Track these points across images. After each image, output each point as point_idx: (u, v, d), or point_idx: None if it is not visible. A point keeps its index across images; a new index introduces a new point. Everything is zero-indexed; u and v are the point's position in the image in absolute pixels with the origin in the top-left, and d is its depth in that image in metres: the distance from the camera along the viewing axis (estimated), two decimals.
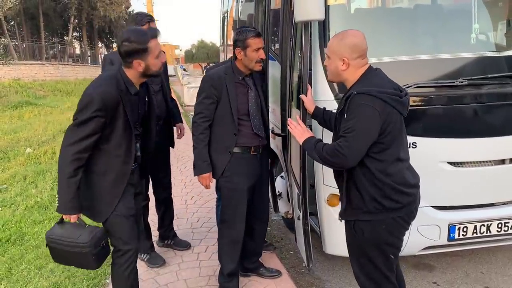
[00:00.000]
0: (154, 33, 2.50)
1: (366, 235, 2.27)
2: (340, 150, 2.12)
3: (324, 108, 2.78)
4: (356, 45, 2.21)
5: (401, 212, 2.24)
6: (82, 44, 41.08)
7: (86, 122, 2.34)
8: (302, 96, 2.84)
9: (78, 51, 40.39)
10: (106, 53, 46.46)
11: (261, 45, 3.01)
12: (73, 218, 2.48)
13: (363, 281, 2.41)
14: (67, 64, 29.75)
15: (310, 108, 2.81)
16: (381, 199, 2.19)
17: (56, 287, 3.47)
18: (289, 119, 2.61)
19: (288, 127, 2.59)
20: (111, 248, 2.68)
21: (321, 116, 2.77)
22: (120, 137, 2.48)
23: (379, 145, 2.14)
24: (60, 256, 2.57)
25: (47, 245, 2.55)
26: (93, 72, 31.47)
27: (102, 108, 2.34)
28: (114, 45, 49.67)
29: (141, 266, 3.74)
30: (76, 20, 39.21)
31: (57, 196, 2.46)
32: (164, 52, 3.01)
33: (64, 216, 2.49)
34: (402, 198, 2.22)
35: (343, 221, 3.00)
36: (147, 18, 3.52)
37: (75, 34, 42.97)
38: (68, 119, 12.74)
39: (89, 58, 38.61)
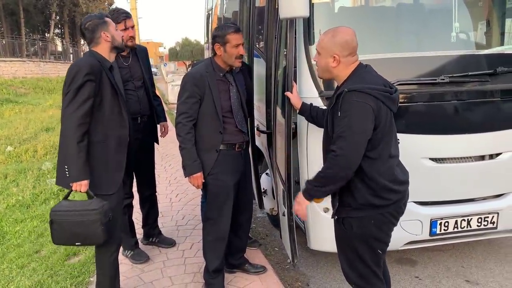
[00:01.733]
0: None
1: (355, 230, 2.30)
2: (339, 152, 2.11)
3: (311, 104, 2.80)
4: (347, 42, 2.22)
5: (390, 208, 2.27)
6: (64, 41, 40.46)
7: (80, 88, 2.51)
8: (288, 93, 2.86)
9: (60, 48, 39.74)
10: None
11: (240, 41, 3.00)
12: (84, 186, 2.55)
13: (351, 276, 2.44)
14: (49, 61, 29.25)
15: (297, 105, 2.83)
16: (372, 198, 2.21)
17: (39, 286, 3.42)
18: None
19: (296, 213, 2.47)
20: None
21: (308, 112, 2.79)
22: (110, 102, 2.65)
23: (371, 142, 2.15)
24: (64, 232, 2.58)
25: (51, 222, 2.56)
26: None
27: (90, 72, 2.52)
28: None
29: (125, 263, 3.72)
30: (58, 17, 38.63)
31: (66, 168, 2.52)
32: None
33: (74, 187, 2.54)
34: (392, 196, 2.25)
35: (328, 217, 3.04)
36: (123, 15, 3.45)
37: (57, 31, 42.33)
38: (50, 117, 12.58)
39: (71, 55, 37.93)
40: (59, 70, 28.23)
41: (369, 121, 2.10)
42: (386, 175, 2.22)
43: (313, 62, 2.50)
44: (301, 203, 2.33)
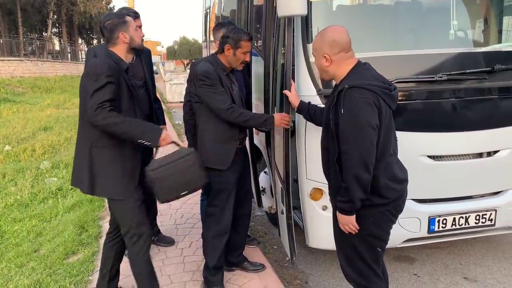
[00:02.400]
0: (128, 12, 3.00)
1: None
2: (352, 153, 2.09)
3: (309, 102, 2.81)
4: (335, 40, 2.21)
5: (389, 206, 2.27)
6: (61, 40, 40.31)
7: (103, 87, 2.46)
8: (286, 92, 2.86)
9: (57, 48, 39.61)
10: (86, 49, 45.97)
11: (249, 49, 3.06)
12: (168, 138, 2.64)
13: (349, 273, 2.44)
14: (46, 61, 29.15)
15: (295, 103, 2.84)
16: (371, 196, 2.21)
17: (37, 285, 3.42)
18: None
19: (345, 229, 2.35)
20: None
21: (306, 110, 2.79)
22: (126, 105, 2.64)
23: None
24: (169, 186, 2.67)
25: (152, 181, 2.63)
26: (73, 68, 30.96)
27: (110, 74, 2.49)
28: (95, 41, 48.95)
29: (124, 261, 3.72)
30: (55, 16, 38.54)
31: (143, 141, 2.58)
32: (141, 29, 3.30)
33: (164, 144, 2.63)
34: (391, 194, 2.25)
35: (326, 215, 3.04)
36: (132, 15, 3.43)
37: (54, 30, 42.20)
38: (48, 116, 12.57)
39: (69, 54, 37.83)
40: (56, 69, 28.17)
41: (375, 116, 2.10)
42: (385, 174, 2.21)
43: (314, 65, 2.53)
44: (343, 224, 2.27)
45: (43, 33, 39.25)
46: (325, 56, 2.24)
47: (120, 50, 2.69)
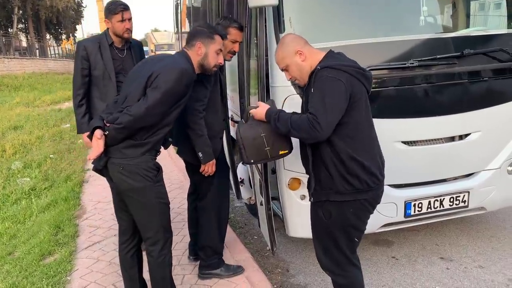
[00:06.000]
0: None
1: (333, 218, 2.32)
2: (314, 124, 2.10)
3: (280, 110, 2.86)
4: (295, 37, 2.36)
5: (368, 194, 2.30)
6: (28, 36, 39.09)
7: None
8: (252, 111, 2.83)
9: (24, 44, 38.43)
10: (55, 45, 44.71)
11: (239, 39, 3.08)
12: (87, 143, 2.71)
13: (325, 263, 2.48)
14: (13, 58, 28.20)
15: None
16: (351, 178, 2.23)
17: None
18: (251, 111, 2.51)
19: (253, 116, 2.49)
20: None
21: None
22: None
23: (348, 119, 2.17)
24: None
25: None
26: (42, 65, 30.06)
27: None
28: (63, 36, 47.63)
29: (102, 260, 3.67)
30: (21, 11, 37.26)
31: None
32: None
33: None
34: (371, 180, 2.27)
35: (305, 204, 3.06)
36: (121, 7, 3.36)
37: (21, 26, 40.83)
38: (17, 115, 12.20)
39: (37, 50, 36.68)
40: (24, 66, 27.29)
41: (342, 96, 2.13)
42: (365, 156, 2.24)
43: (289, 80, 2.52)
44: (259, 109, 2.42)
45: (9, 29, 37.94)
46: (297, 51, 2.29)
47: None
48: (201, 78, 2.78)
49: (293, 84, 2.94)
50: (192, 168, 3.20)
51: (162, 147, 2.74)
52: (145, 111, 2.35)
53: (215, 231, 3.27)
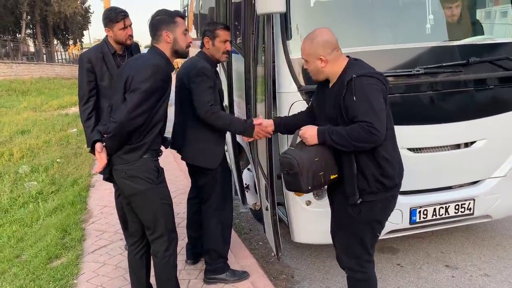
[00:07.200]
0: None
1: (362, 215, 2.38)
2: (371, 130, 2.15)
3: (284, 117, 2.92)
4: (327, 41, 2.32)
5: (394, 191, 2.40)
6: (36, 41, 39.42)
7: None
8: (256, 122, 2.90)
9: (32, 49, 38.75)
10: (62, 50, 45.02)
11: (228, 38, 3.16)
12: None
13: (346, 261, 2.53)
14: (21, 63, 28.44)
15: (270, 127, 2.88)
16: (383, 178, 2.31)
17: None
18: (301, 133, 2.41)
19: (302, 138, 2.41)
20: None
21: (282, 125, 2.86)
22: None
23: None
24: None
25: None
26: (49, 70, 30.31)
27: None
28: (71, 42, 48.00)
29: (108, 264, 3.69)
30: (29, 17, 37.62)
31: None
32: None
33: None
34: (398, 177, 2.39)
35: (310, 210, 3.09)
36: (122, 14, 3.38)
37: (29, 31, 41.22)
38: (25, 119, 12.29)
39: (45, 56, 36.98)
40: (32, 71, 27.53)
41: (383, 102, 2.24)
42: (394, 155, 2.35)
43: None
44: (309, 131, 2.34)
45: (17, 35, 38.31)
46: (320, 58, 2.32)
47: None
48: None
49: (300, 90, 2.98)
50: (196, 171, 3.25)
51: (163, 148, 2.80)
52: (127, 115, 2.40)
53: (219, 234, 3.30)
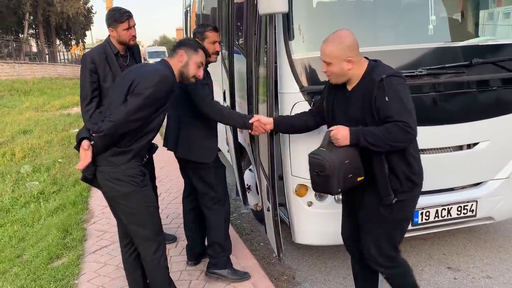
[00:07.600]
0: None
1: (394, 214, 2.40)
2: (407, 129, 2.18)
3: (284, 116, 2.92)
4: (353, 43, 2.34)
5: (420, 188, 2.43)
6: (39, 41, 39.51)
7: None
8: (254, 121, 2.90)
9: (35, 49, 38.84)
10: (64, 50, 45.12)
11: (217, 39, 3.25)
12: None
13: (377, 258, 2.51)
14: (24, 63, 28.51)
15: (269, 124, 2.87)
16: (412, 175, 2.34)
17: None
18: (332, 134, 2.33)
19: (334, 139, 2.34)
20: None
21: (283, 126, 2.87)
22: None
23: None
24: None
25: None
26: (51, 70, 30.37)
27: None
28: (73, 42, 48.10)
29: (110, 264, 3.69)
30: (32, 17, 37.72)
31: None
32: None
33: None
34: (423, 174, 2.43)
35: (312, 211, 3.08)
36: (126, 15, 3.38)
37: (31, 31, 41.34)
38: (27, 119, 12.31)
39: (47, 56, 37.06)
40: (34, 72, 27.59)
41: (412, 100, 2.28)
42: (418, 154, 2.39)
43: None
44: (342, 132, 2.28)
45: (20, 35, 38.38)
46: (349, 60, 2.31)
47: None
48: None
49: (302, 91, 2.97)
50: (191, 167, 3.27)
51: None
52: (125, 117, 2.40)
53: (222, 227, 3.33)
